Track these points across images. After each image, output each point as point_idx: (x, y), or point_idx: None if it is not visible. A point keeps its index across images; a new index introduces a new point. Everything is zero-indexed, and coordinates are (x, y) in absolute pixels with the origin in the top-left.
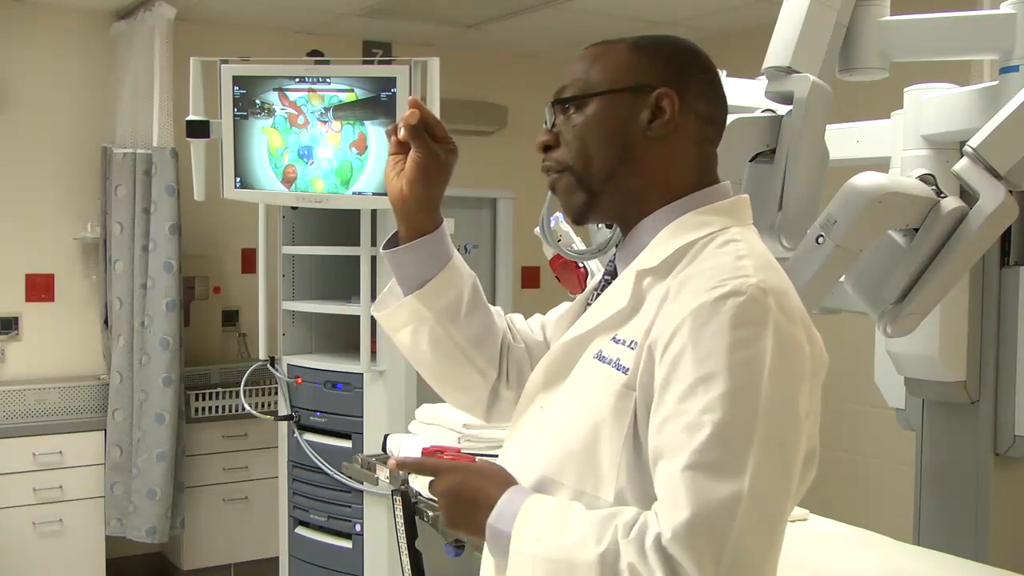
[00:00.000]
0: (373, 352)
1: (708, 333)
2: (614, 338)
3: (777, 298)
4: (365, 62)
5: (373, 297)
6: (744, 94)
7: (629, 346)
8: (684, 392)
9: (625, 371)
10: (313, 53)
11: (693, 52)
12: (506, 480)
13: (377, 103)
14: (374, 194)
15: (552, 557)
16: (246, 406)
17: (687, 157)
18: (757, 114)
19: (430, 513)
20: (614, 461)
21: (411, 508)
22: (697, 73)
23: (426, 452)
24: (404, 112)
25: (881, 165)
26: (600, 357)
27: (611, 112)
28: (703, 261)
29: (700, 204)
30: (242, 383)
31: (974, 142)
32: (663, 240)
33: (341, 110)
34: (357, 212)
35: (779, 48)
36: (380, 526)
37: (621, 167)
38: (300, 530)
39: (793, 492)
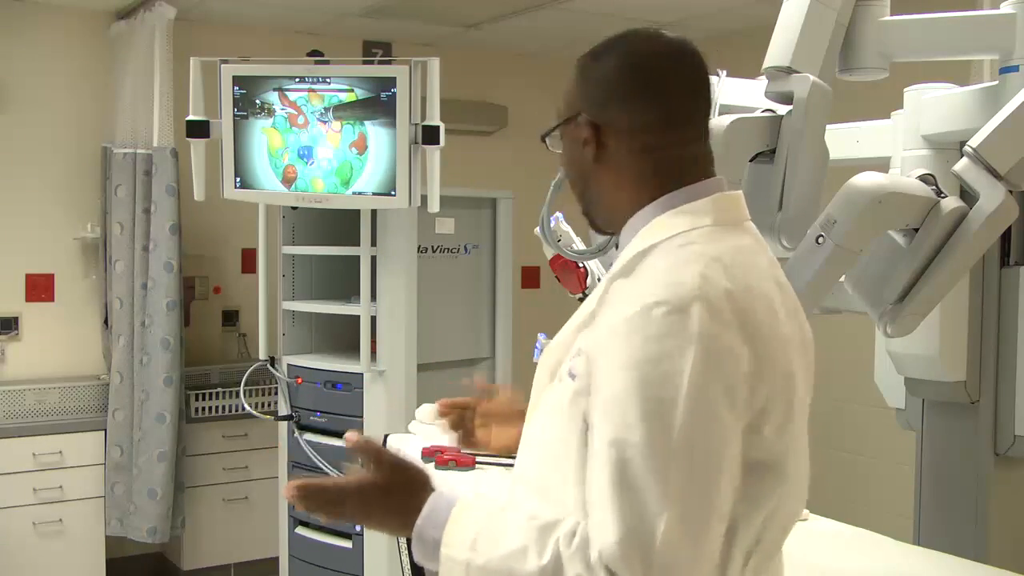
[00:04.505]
0: (373, 352)
1: (633, 344)
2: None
3: (710, 304)
4: (365, 62)
5: (373, 297)
6: (744, 94)
7: (579, 353)
8: (607, 405)
9: (574, 378)
10: (313, 53)
11: (618, 64)
12: (426, 484)
13: (377, 103)
14: (374, 194)
15: (490, 567)
16: (246, 406)
17: (639, 169)
18: (757, 114)
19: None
20: (572, 466)
21: None
22: (615, 87)
23: (426, 452)
24: (403, 112)
25: (881, 165)
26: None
27: (566, 143)
28: (649, 267)
29: (677, 204)
30: (242, 383)
31: (974, 142)
32: (634, 244)
33: (341, 110)
34: (357, 212)
35: (779, 48)
36: None
37: (587, 191)
38: (300, 530)
39: (719, 503)
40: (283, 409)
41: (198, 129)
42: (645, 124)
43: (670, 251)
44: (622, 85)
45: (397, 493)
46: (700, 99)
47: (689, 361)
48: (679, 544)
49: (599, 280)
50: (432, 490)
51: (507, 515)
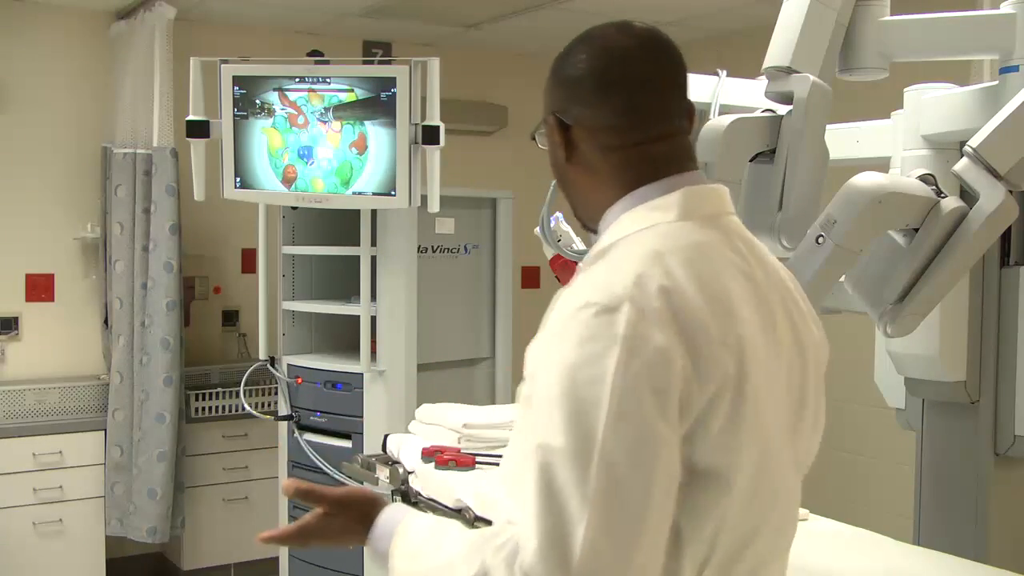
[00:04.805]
0: (373, 352)
1: (563, 347)
2: None
3: (640, 304)
4: (365, 62)
5: (373, 297)
6: (744, 94)
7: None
8: (538, 409)
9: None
10: (313, 53)
11: (581, 62)
12: (376, 503)
13: (377, 103)
14: (374, 194)
15: None
16: (246, 406)
17: (609, 167)
18: (757, 114)
19: (430, 513)
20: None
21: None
22: (579, 86)
23: (426, 452)
24: (403, 112)
25: (881, 165)
26: None
27: (548, 144)
28: (595, 267)
29: (645, 199)
30: (242, 383)
31: (974, 142)
32: (599, 242)
33: (341, 110)
34: (357, 212)
35: (779, 48)
36: None
37: (567, 191)
38: None
39: (651, 512)
40: (283, 409)
41: (198, 129)
42: (610, 122)
43: (621, 248)
44: (585, 84)
45: (347, 518)
46: (669, 93)
47: (613, 363)
48: (603, 553)
49: None
50: (385, 506)
51: (450, 527)
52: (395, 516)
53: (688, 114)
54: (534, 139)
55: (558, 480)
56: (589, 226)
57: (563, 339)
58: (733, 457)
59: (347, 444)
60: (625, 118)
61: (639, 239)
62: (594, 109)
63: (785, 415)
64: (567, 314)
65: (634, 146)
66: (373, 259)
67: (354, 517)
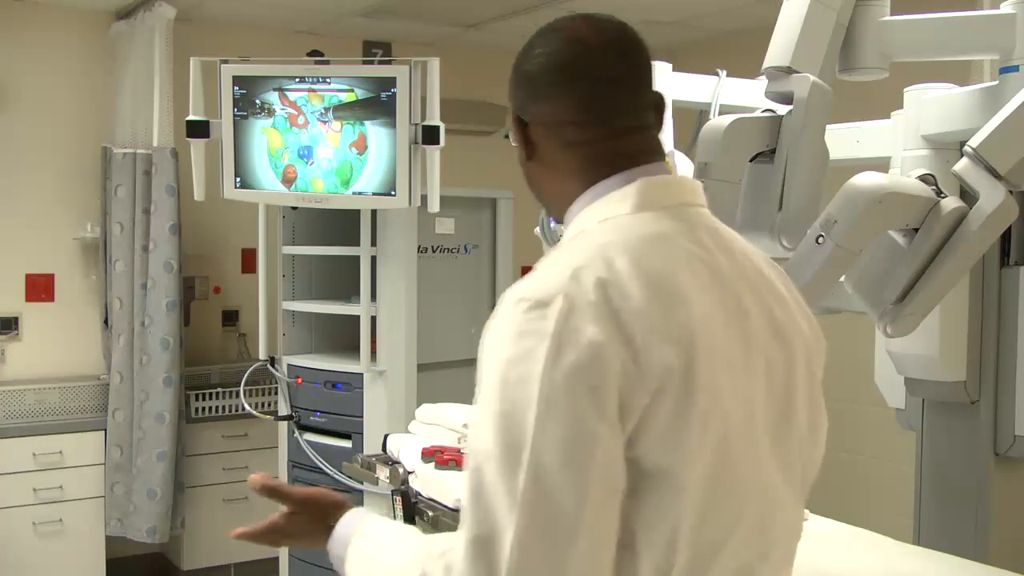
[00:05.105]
0: (373, 352)
1: (498, 344)
2: None
3: (574, 298)
4: (365, 62)
5: (373, 297)
6: (744, 94)
7: None
8: (476, 410)
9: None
10: (313, 53)
11: (537, 58)
12: (340, 506)
13: (377, 103)
14: (374, 194)
15: None
16: (246, 406)
17: (569, 164)
18: (757, 114)
19: (430, 513)
20: None
21: (411, 508)
22: (535, 82)
23: (426, 452)
24: (403, 112)
25: (881, 165)
26: None
27: (517, 142)
28: (541, 263)
29: (603, 193)
30: (242, 383)
31: (974, 142)
32: (562, 239)
33: (341, 110)
34: (357, 212)
35: (779, 48)
36: None
37: (534, 189)
38: None
39: (589, 515)
40: (283, 409)
41: (198, 129)
42: (569, 118)
43: (570, 244)
44: (542, 79)
45: (309, 518)
46: (630, 86)
47: (542, 360)
48: (535, 559)
49: None
50: (348, 510)
51: (406, 534)
52: (354, 520)
53: (656, 107)
54: (507, 138)
55: (488, 485)
56: (561, 223)
57: (498, 336)
58: (683, 456)
59: (347, 444)
60: (583, 114)
61: (592, 233)
62: (552, 105)
63: (763, 412)
64: (504, 310)
65: (594, 141)
66: (373, 259)
67: (316, 518)
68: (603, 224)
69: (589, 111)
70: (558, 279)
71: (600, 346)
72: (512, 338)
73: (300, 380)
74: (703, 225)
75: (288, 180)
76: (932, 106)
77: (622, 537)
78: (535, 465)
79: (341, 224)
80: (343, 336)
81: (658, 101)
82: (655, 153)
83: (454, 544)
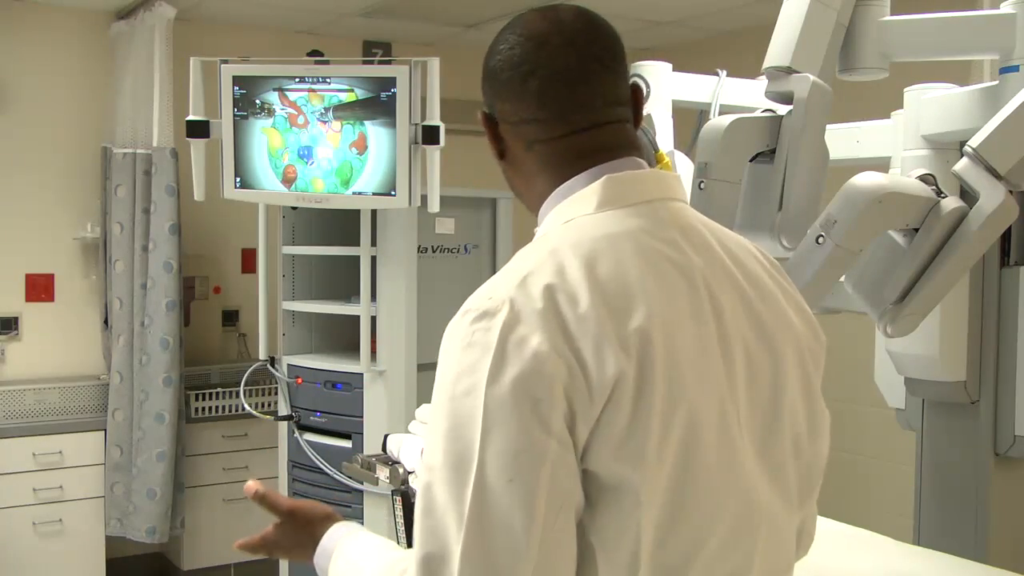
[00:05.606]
0: (373, 352)
1: (446, 356)
2: None
3: (520, 306)
4: (365, 62)
5: (373, 297)
6: (744, 94)
7: None
8: (428, 422)
9: None
10: (313, 53)
11: (498, 54)
12: (327, 518)
13: (377, 103)
14: (374, 194)
15: None
16: (246, 406)
17: (534, 164)
18: (757, 114)
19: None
20: None
21: (411, 508)
22: (495, 79)
23: None
24: (403, 112)
25: (881, 165)
26: None
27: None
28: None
29: (568, 193)
30: (242, 383)
31: (974, 142)
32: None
33: (341, 110)
34: (357, 212)
35: (779, 48)
36: (380, 526)
37: (511, 188)
38: None
39: (536, 529)
40: (283, 409)
41: (198, 129)
42: (532, 115)
43: (526, 248)
44: (504, 76)
45: (295, 529)
46: (596, 80)
47: (486, 373)
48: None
49: None
50: (334, 523)
51: (383, 550)
52: (337, 534)
53: (633, 100)
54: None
55: (438, 501)
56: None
57: (447, 348)
58: (641, 468)
59: (347, 444)
60: (540, 111)
61: (550, 236)
62: (512, 104)
63: (745, 414)
64: (454, 321)
65: (560, 138)
66: (373, 259)
67: (301, 531)
68: (566, 226)
69: (544, 108)
70: (506, 287)
71: (544, 356)
72: (459, 350)
73: (300, 380)
74: (673, 221)
75: (288, 180)
76: (932, 106)
77: (581, 553)
78: (481, 482)
79: (341, 224)
80: (343, 336)
81: (636, 92)
82: (624, 148)
83: (409, 563)
